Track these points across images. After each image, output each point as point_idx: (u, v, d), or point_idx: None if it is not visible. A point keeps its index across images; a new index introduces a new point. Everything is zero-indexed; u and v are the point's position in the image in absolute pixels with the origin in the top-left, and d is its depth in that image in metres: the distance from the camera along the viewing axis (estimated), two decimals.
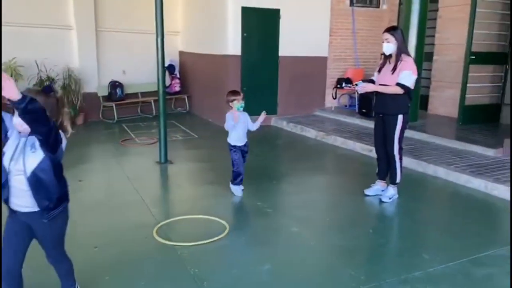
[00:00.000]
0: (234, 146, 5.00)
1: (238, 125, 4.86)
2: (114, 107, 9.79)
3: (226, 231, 4.11)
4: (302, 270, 3.52)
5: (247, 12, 8.93)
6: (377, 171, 5.19)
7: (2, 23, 8.33)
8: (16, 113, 2.15)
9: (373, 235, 4.27)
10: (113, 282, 3.25)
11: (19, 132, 2.31)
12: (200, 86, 10.61)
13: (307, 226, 4.36)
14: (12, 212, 2.42)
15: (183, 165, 6.62)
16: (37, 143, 2.29)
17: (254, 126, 4.99)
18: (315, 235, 4.21)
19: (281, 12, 9.28)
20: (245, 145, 5.05)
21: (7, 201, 2.38)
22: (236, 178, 5.06)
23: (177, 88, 11.13)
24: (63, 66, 9.23)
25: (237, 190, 5.12)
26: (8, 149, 2.33)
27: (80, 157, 7.01)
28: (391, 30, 4.73)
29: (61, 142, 2.37)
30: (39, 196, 2.33)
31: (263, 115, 5.01)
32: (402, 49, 4.68)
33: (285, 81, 9.62)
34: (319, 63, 10.06)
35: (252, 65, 9.19)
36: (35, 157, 2.28)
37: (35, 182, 2.30)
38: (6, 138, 2.33)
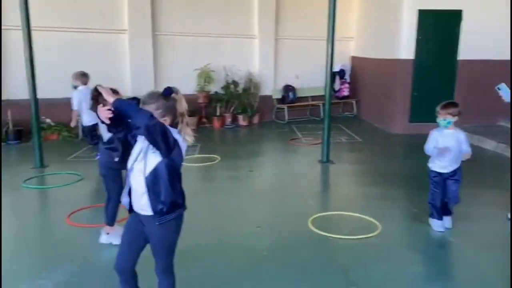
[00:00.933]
0: (439, 173, 4.15)
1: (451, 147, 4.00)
2: (285, 109, 10.60)
3: (378, 230, 4.21)
4: (456, 278, 3.41)
5: (424, 15, 8.63)
6: None
7: (199, 34, 9.93)
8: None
9: None
10: (270, 256, 3.72)
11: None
12: (369, 91, 10.64)
13: (467, 239, 4.12)
14: (132, 212, 2.49)
15: (343, 166, 6.86)
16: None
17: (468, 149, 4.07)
18: (476, 249, 3.96)
19: (463, 14, 8.66)
20: (454, 172, 4.12)
21: (128, 202, 2.47)
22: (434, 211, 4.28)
23: (346, 93, 11.37)
24: (246, 71, 10.42)
25: (436, 225, 4.27)
26: (135, 150, 2.44)
27: (253, 151, 7.91)
28: None
29: (175, 146, 2.30)
30: (154, 199, 2.33)
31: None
32: None
33: (463, 87, 8.92)
34: (507, 67, 9.01)
35: (425, 69, 8.82)
36: (155, 158, 2.31)
37: (151, 183, 2.32)
38: (134, 140, 2.44)
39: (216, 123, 9.98)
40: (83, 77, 6.27)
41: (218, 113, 10.13)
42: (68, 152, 7.26)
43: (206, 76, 9.85)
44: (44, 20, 8.03)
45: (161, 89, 2.38)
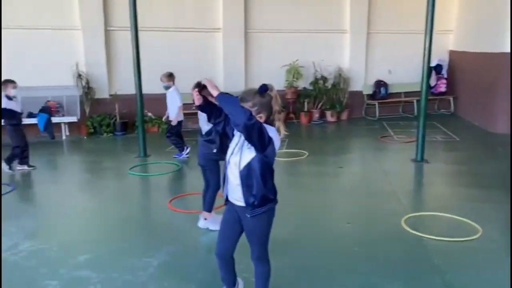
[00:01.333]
0: None
1: None
2: (376, 105, 10.30)
3: (479, 234, 3.97)
4: None
5: None
6: None
7: (289, 31, 10.03)
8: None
9: None
10: (361, 252, 3.70)
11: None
12: (469, 87, 9.92)
13: None
14: (229, 202, 2.63)
15: (439, 165, 6.52)
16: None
17: None
18: None
19: None
20: None
21: (225, 193, 2.61)
22: None
23: (443, 89, 10.74)
24: (335, 67, 10.31)
25: None
26: (232, 144, 2.55)
27: (342, 148, 7.85)
28: None
29: (269, 144, 2.36)
30: (246, 192, 2.44)
31: None
32: None
33: None
34: None
35: None
36: (249, 153, 2.40)
37: (245, 176, 2.43)
38: (232, 134, 2.55)
39: (304, 119, 10.02)
40: (173, 77, 6.79)
41: (305, 109, 10.17)
42: (166, 144, 7.81)
43: (294, 72, 9.94)
44: (147, 21, 8.69)
45: (251, 86, 2.46)
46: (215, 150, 4.00)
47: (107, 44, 9.31)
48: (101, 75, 9.31)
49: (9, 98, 6.09)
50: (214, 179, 4.10)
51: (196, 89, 2.50)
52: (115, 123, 9.22)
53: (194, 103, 3.64)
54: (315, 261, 3.54)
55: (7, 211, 4.89)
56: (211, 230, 4.08)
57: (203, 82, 2.48)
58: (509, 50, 8.11)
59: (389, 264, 3.50)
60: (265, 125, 2.37)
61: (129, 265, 3.46)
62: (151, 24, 9.06)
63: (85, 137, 9.02)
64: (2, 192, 5.36)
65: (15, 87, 6.13)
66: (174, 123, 6.84)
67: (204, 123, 4.06)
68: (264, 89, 2.40)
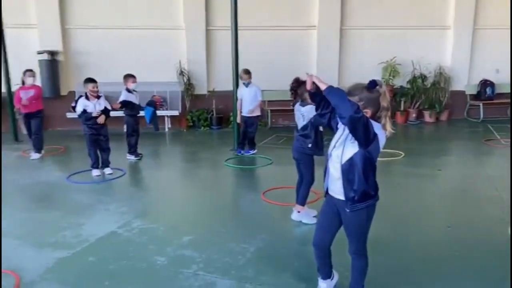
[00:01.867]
0: None
1: None
2: (481, 106, 9.59)
3: None
4: None
5: None
6: None
7: (386, 27, 9.71)
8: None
9: None
10: (463, 258, 3.51)
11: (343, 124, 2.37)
12: None
13: None
14: (328, 195, 2.66)
15: None
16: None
17: None
18: None
19: None
20: None
21: (326, 185, 2.64)
22: None
23: None
24: (435, 65, 9.79)
25: None
26: (335, 137, 2.55)
27: (440, 149, 7.44)
28: None
29: (374, 140, 2.35)
30: (347, 186, 2.46)
31: None
32: None
33: None
34: None
35: None
36: (352, 148, 2.40)
37: (346, 171, 2.44)
38: (336, 128, 2.55)
39: (400, 118, 9.67)
40: (251, 74, 6.96)
41: (402, 108, 9.80)
42: (259, 139, 8.04)
43: (391, 69, 9.63)
44: (245, 20, 9.01)
45: (345, 83, 2.45)
46: (310, 145, 4.06)
47: (207, 43, 9.83)
48: (201, 72, 9.88)
49: (129, 91, 6.75)
50: (308, 173, 4.18)
51: (311, 74, 2.56)
52: (212, 118, 9.73)
53: (293, 100, 3.72)
54: (412, 262, 3.44)
55: (120, 192, 5.47)
56: (304, 223, 4.17)
57: (310, 77, 2.53)
58: None
59: (491, 273, 3.29)
60: (372, 121, 2.35)
61: (227, 249, 3.67)
62: (248, 23, 9.38)
63: (185, 130, 9.65)
64: (116, 176, 6.01)
65: (134, 82, 6.77)
66: (257, 113, 7.02)
67: (299, 118, 4.15)
68: (373, 85, 2.39)
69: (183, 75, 9.70)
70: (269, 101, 9.70)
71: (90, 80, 5.92)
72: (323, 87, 2.37)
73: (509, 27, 9.47)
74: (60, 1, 9.37)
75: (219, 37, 9.74)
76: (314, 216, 4.19)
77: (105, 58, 9.47)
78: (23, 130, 7.44)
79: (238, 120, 7.19)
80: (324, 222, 2.75)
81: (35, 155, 7.10)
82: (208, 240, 3.88)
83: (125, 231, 4.11)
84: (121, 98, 6.71)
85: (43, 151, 7.25)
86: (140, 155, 7.05)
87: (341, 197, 2.52)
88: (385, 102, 2.42)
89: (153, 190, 5.64)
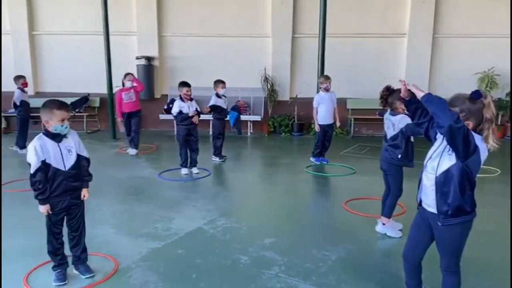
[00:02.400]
0: None
1: None
2: None
3: None
4: None
5: None
6: None
7: (481, 35, 9.05)
8: None
9: None
10: None
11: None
12: None
13: None
14: (421, 208, 2.57)
15: None
16: None
17: None
18: None
19: None
20: None
21: (419, 197, 2.56)
22: None
23: None
24: None
25: None
26: (432, 148, 2.47)
27: None
28: None
29: (474, 153, 2.23)
30: (440, 199, 2.37)
31: None
32: None
33: None
34: None
35: None
36: (449, 160, 2.32)
37: (440, 183, 2.35)
38: (434, 138, 2.47)
39: (496, 133, 8.90)
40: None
41: (499, 122, 9.08)
42: (341, 147, 7.94)
43: (489, 80, 8.99)
44: (332, 27, 8.97)
45: (435, 93, 2.32)
46: (400, 156, 3.94)
47: (292, 50, 9.95)
48: (285, 79, 10.01)
49: (218, 96, 7.07)
50: (396, 185, 4.04)
51: (404, 81, 2.51)
52: (293, 124, 9.80)
53: (382, 108, 3.60)
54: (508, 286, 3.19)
55: (206, 191, 5.72)
56: (389, 236, 4.04)
57: (406, 85, 2.47)
58: None
59: None
60: (474, 133, 2.25)
61: (309, 255, 3.68)
62: (334, 31, 9.30)
63: (266, 135, 9.83)
64: (202, 175, 6.31)
65: (224, 87, 7.07)
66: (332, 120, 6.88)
67: (389, 128, 4.04)
68: (476, 96, 2.29)
69: (267, 82, 9.89)
70: (352, 109, 9.57)
71: (184, 84, 6.32)
72: (420, 94, 2.32)
73: None
74: (158, 12, 10.08)
75: (304, 44, 9.80)
76: (400, 230, 4.05)
77: (196, 64, 9.98)
78: (121, 129, 8.10)
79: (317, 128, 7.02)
80: (415, 235, 2.66)
81: (132, 151, 7.71)
82: (289, 244, 3.93)
83: (210, 228, 4.30)
84: (211, 103, 7.02)
85: (138, 149, 7.84)
86: (224, 157, 7.31)
87: (434, 210, 2.43)
88: (489, 113, 2.29)
89: (236, 191, 5.84)
